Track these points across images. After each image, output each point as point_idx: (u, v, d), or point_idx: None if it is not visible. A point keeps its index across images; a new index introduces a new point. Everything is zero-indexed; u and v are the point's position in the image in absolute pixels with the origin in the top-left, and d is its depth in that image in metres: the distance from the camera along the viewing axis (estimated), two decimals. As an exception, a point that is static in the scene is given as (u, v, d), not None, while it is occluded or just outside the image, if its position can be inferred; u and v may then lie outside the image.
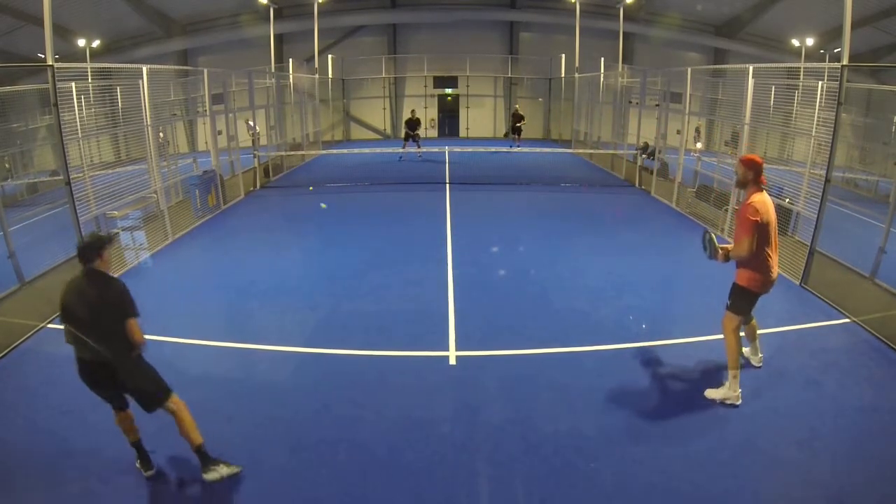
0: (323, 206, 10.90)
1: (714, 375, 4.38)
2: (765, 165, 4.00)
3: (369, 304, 5.82)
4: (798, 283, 6.29)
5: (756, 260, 3.88)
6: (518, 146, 18.04)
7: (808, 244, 6.20)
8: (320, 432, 3.73)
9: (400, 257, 7.40)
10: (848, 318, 5.42)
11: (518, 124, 18.83)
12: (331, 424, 3.82)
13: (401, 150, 16.12)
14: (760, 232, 3.81)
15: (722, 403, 4.03)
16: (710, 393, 4.14)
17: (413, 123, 16.90)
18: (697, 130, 16.66)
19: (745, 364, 4.50)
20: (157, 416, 3.19)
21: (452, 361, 4.64)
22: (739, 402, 4.01)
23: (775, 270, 3.98)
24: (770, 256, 3.92)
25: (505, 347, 4.86)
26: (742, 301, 4.03)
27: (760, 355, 4.56)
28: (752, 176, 3.90)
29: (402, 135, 17.37)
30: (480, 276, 6.65)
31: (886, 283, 5.17)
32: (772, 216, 3.89)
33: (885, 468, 3.35)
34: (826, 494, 3.15)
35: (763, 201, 3.87)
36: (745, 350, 4.60)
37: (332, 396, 4.15)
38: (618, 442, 3.62)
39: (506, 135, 19.39)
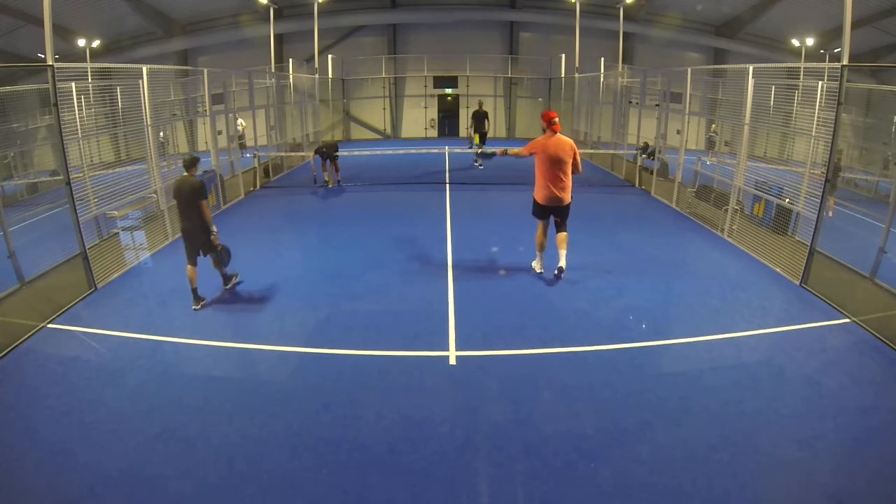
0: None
1: (713, 374, 4.38)
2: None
3: (369, 304, 5.82)
4: (798, 282, 6.29)
5: (536, 181, 6.20)
6: (479, 164, 14.36)
7: (808, 244, 6.20)
8: (320, 432, 3.73)
9: (400, 257, 7.39)
10: (848, 318, 5.42)
11: (484, 130, 15.16)
12: (331, 424, 3.82)
13: (325, 178, 12.26)
14: (538, 158, 6.09)
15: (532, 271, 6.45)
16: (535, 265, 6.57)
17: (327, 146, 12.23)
18: (713, 136, 15.41)
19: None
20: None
21: (452, 361, 4.64)
22: (541, 271, 6.45)
23: (553, 193, 6.07)
24: (546, 181, 6.07)
25: (505, 347, 4.86)
26: (534, 207, 6.33)
27: (542, 264, 6.51)
28: (545, 124, 6.09)
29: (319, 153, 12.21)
30: (480, 275, 6.65)
31: (886, 283, 5.17)
32: (550, 153, 6.00)
33: (886, 468, 3.35)
34: (826, 494, 3.15)
35: (545, 140, 6.05)
36: (535, 263, 6.59)
37: (332, 396, 4.15)
38: (618, 442, 3.62)
39: (473, 141, 15.08)
